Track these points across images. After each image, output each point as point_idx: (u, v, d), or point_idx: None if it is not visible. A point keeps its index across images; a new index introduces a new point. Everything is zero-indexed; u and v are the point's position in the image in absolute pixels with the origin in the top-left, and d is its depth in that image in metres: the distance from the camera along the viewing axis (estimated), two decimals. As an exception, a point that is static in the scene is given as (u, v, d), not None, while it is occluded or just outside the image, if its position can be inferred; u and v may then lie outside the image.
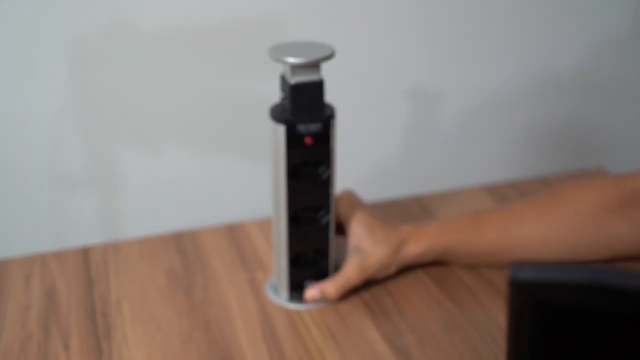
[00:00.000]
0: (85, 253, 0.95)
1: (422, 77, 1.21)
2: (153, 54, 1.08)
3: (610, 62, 1.29)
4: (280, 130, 0.78)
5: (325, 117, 0.78)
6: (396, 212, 1.04)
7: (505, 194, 1.08)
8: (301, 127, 0.77)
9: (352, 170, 1.18)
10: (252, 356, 0.77)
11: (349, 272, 0.84)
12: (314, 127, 0.78)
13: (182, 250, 0.96)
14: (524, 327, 0.37)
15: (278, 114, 0.79)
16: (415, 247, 0.85)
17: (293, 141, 0.78)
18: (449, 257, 0.88)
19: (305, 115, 0.77)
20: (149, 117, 1.13)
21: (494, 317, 0.82)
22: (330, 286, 0.84)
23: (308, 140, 0.78)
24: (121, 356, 0.77)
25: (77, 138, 1.11)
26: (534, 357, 0.37)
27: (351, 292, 0.86)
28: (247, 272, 0.91)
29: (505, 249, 0.85)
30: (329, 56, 0.77)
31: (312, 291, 0.84)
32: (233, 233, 1.00)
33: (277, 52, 0.77)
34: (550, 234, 0.84)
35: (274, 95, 1.07)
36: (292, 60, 0.76)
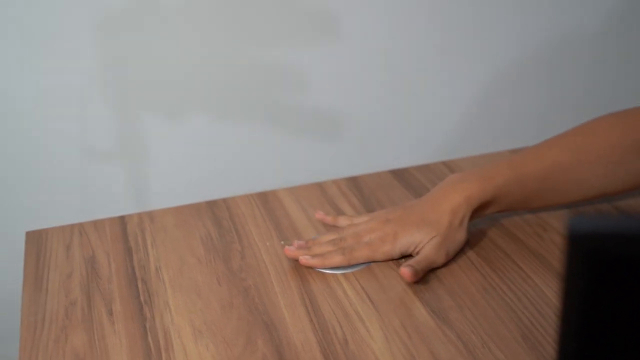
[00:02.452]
0: (122, 222, 0.97)
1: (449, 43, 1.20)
2: (178, 23, 1.08)
3: (630, 29, 1.28)
4: None
5: None
6: (426, 177, 1.04)
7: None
8: None
9: (387, 139, 1.18)
10: (292, 320, 0.78)
11: (430, 255, 0.84)
12: None
13: (216, 218, 0.97)
14: (581, 280, 0.37)
15: None
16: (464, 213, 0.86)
17: None
18: (484, 210, 0.88)
19: None
20: (175, 87, 1.13)
21: (530, 279, 0.83)
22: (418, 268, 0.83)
23: None
24: (164, 322, 0.79)
25: (105, 110, 1.12)
26: (590, 311, 0.38)
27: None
28: (282, 240, 0.92)
29: (541, 196, 0.89)
30: None
31: (407, 271, 0.82)
32: (266, 200, 1.01)
33: None
34: (585, 181, 0.87)
35: (299, 62, 1.07)
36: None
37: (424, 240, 0.84)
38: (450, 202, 0.85)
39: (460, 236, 0.86)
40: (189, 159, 1.18)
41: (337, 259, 0.85)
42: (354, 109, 1.18)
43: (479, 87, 1.23)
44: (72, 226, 0.96)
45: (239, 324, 0.78)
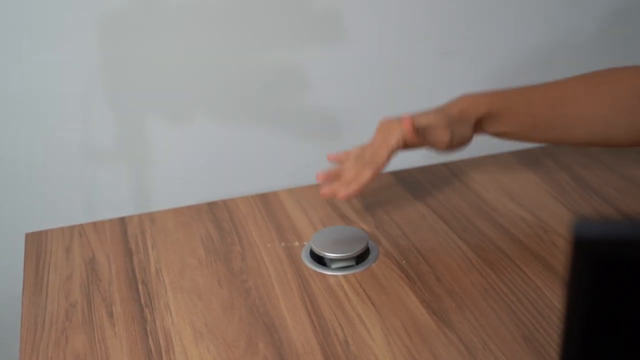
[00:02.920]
0: (122, 223, 0.97)
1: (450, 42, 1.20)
2: (181, 24, 1.08)
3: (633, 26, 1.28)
4: None
5: None
6: (426, 178, 1.04)
7: (537, 159, 1.08)
8: None
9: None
10: (293, 322, 0.78)
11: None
12: None
13: (217, 220, 0.97)
14: (585, 284, 0.37)
15: None
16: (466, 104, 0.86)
17: None
18: (492, 122, 0.87)
19: None
20: (177, 88, 1.13)
21: (531, 281, 0.82)
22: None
23: None
24: (164, 324, 0.78)
25: (107, 111, 1.12)
26: (594, 316, 0.38)
27: (388, 260, 0.87)
28: (283, 241, 0.92)
29: (548, 124, 0.86)
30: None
31: (407, 118, 0.82)
32: (266, 202, 1.01)
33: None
34: (594, 116, 0.85)
35: (301, 64, 1.07)
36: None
37: (430, 120, 0.84)
38: (458, 105, 0.86)
39: (467, 131, 0.86)
40: (189, 160, 1.18)
41: (367, 174, 0.84)
42: (355, 110, 1.18)
43: (480, 88, 1.23)
44: (72, 227, 0.95)
45: (240, 325, 0.78)
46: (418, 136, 0.83)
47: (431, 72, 1.19)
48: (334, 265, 0.86)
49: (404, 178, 1.05)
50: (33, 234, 0.95)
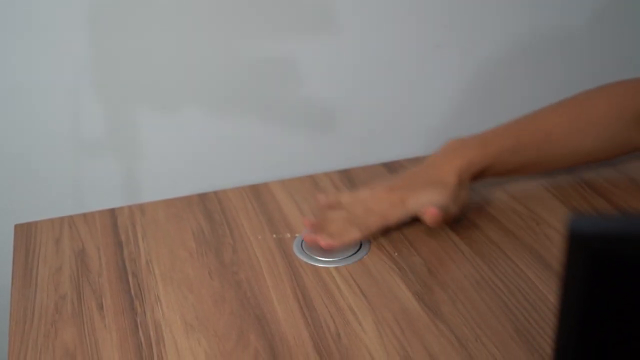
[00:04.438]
0: (112, 215, 0.96)
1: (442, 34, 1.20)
2: (171, 17, 1.07)
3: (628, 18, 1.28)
4: None
5: None
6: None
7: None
8: None
9: (375, 129, 1.17)
10: (284, 314, 0.78)
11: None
12: None
13: (208, 212, 0.96)
14: (580, 280, 0.37)
15: None
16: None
17: None
18: (482, 175, 0.91)
19: None
20: (167, 80, 1.12)
21: (523, 273, 0.82)
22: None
23: None
24: (155, 316, 0.78)
25: (96, 102, 1.11)
26: (589, 311, 0.37)
27: (380, 252, 0.87)
28: (274, 233, 0.91)
29: (535, 164, 0.94)
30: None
31: (434, 210, 0.85)
32: (258, 193, 1.00)
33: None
34: (577, 149, 0.92)
35: (291, 54, 1.06)
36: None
37: (433, 199, 0.86)
38: (453, 166, 0.87)
39: (465, 195, 0.89)
40: (180, 152, 1.17)
41: (354, 234, 0.86)
42: (346, 102, 1.17)
43: (472, 81, 1.23)
44: (61, 219, 0.95)
45: (230, 318, 0.77)
46: (440, 222, 0.87)
47: (423, 64, 1.19)
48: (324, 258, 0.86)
49: (396, 169, 1.05)
50: (22, 225, 0.94)
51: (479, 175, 0.90)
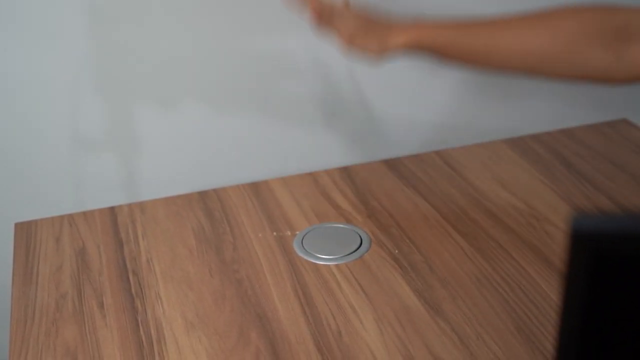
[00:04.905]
0: (112, 213, 0.96)
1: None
2: (171, 13, 1.07)
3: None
4: None
5: None
6: (419, 167, 1.04)
7: (528, 146, 1.08)
8: None
9: (377, 127, 1.17)
10: (285, 312, 0.78)
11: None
12: None
13: (208, 209, 0.96)
14: (583, 278, 0.37)
15: None
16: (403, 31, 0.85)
17: None
18: (430, 49, 0.85)
19: None
20: (167, 77, 1.12)
21: (524, 270, 0.82)
22: None
23: None
24: (156, 314, 0.78)
25: (96, 99, 1.10)
26: (591, 309, 0.37)
27: (380, 249, 0.87)
28: (275, 231, 0.91)
29: (485, 53, 0.84)
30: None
31: None
32: (257, 191, 1.00)
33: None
34: (530, 46, 0.82)
35: (290, 51, 1.05)
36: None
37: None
38: (413, 31, 0.84)
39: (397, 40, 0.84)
40: (180, 149, 1.17)
41: (374, 46, 0.84)
42: (346, 99, 1.17)
43: (472, 77, 1.23)
44: (61, 217, 0.95)
45: (231, 316, 0.77)
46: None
47: (422, 61, 1.19)
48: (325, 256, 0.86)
49: (396, 167, 1.05)
50: (22, 223, 0.94)
51: (418, 43, 0.85)
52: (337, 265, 0.85)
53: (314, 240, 0.89)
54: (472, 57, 0.86)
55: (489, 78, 1.25)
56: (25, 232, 0.92)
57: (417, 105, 1.24)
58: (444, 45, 0.84)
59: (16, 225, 0.94)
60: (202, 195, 0.99)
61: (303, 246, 0.88)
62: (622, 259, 0.35)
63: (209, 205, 0.97)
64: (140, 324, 0.77)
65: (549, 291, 0.79)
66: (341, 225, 0.92)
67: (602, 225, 0.35)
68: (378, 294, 0.80)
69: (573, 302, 0.37)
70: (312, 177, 1.04)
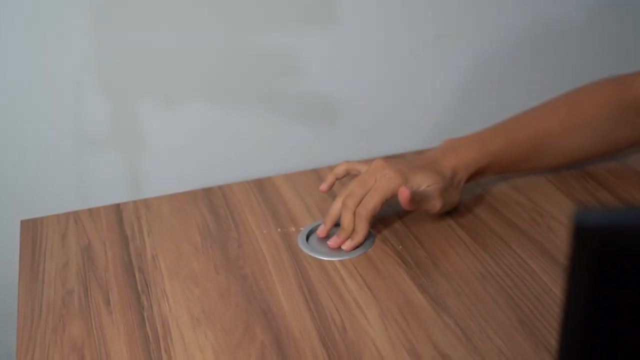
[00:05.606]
0: (117, 210, 0.96)
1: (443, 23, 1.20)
2: (174, 9, 1.08)
3: (622, 13, 1.27)
4: None
5: None
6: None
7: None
8: None
9: (382, 123, 1.17)
10: (290, 308, 0.78)
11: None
12: None
13: (212, 206, 0.97)
14: (585, 273, 0.37)
15: None
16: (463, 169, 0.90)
17: None
18: (478, 176, 0.92)
19: None
20: (170, 73, 1.12)
21: (527, 265, 0.83)
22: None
23: None
24: (161, 310, 0.78)
25: (100, 96, 1.11)
26: (594, 304, 0.38)
27: (384, 245, 0.87)
28: (279, 227, 0.92)
29: (528, 163, 0.96)
30: None
31: (405, 190, 0.83)
32: (262, 187, 1.00)
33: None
34: (571, 148, 0.95)
35: (295, 49, 1.06)
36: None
37: (429, 182, 0.86)
38: (450, 163, 0.88)
39: (457, 196, 0.89)
40: (184, 146, 1.17)
41: (363, 227, 0.85)
42: (349, 95, 1.17)
43: (473, 73, 1.23)
44: (67, 215, 0.95)
45: (236, 311, 0.78)
46: (412, 207, 0.85)
47: (424, 55, 1.19)
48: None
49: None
50: (28, 221, 0.95)
51: (475, 175, 0.91)
52: (341, 261, 0.85)
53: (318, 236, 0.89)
54: (511, 169, 0.96)
55: (490, 74, 1.25)
56: (31, 230, 0.93)
57: (420, 103, 1.24)
58: (484, 169, 0.91)
59: (22, 222, 0.95)
60: (207, 192, 0.99)
61: (307, 242, 0.88)
62: (625, 253, 0.35)
63: (213, 202, 0.97)
64: (146, 320, 0.77)
65: (552, 286, 0.79)
66: (345, 221, 0.92)
67: (605, 220, 0.35)
68: (382, 289, 0.80)
69: (576, 297, 0.37)
70: (316, 174, 1.04)
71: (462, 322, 0.75)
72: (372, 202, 0.84)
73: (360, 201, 0.85)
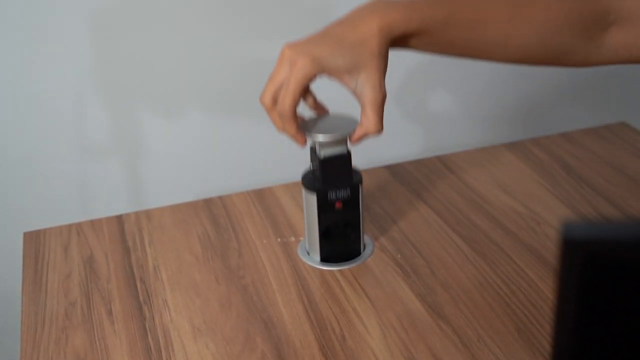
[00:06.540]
0: (119, 221, 0.97)
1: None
2: (173, 20, 1.09)
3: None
4: (313, 198, 0.83)
5: (353, 184, 0.84)
6: (420, 172, 1.05)
7: (529, 151, 1.09)
8: (331, 195, 0.83)
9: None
10: (290, 317, 0.79)
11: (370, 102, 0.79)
12: (343, 193, 0.84)
13: (213, 217, 0.98)
14: (575, 285, 0.38)
15: (310, 182, 0.84)
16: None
17: (325, 207, 0.84)
18: (403, 42, 0.79)
19: (334, 184, 0.83)
20: (171, 84, 1.13)
21: (524, 274, 0.84)
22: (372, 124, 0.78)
23: (338, 205, 0.84)
24: (163, 321, 0.79)
25: (101, 107, 1.12)
26: (584, 315, 0.39)
27: (383, 254, 0.88)
28: (279, 237, 0.93)
29: (465, 45, 0.81)
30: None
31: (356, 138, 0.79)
32: (262, 197, 1.01)
33: (307, 128, 0.82)
34: (512, 39, 0.80)
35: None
36: (321, 137, 0.81)
37: (346, 61, 0.75)
38: (372, 24, 0.75)
39: (385, 65, 0.78)
40: (185, 157, 1.18)
41: (289, 126, 0.80)
42: (348, 105, 1.19)
43: (475, 77, 1.24)
44: (69, 226, 0.96)
45: (237, 321, 0.79)
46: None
47: (424, 67, 1.20)
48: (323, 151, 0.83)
49: (398, 172, 1.06)
50: (31, 233, 0.96)
51: (400, 41, 0.77)
52: (340, 271, 0.86)
53: (317, 245, 0.90)
54: (444, 48, 0.81)
55: (489, 85, 1.26)
56: (34, 241, 0.94)
57: (418, 111, 1.25)
58: (411, 36, 0.77)
59: (25, 234, 0.96)
60: (208, 203, 1.01)
61: (307, 252, 0.89)
62: (611, 265, 0.36)
63: (214, 212, 0.99)
64: (148, 331, 0.78)
65: (549, 294, 0.80)
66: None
67: (592, 233, 0.36)
68: (381, 298, 0.81)
69: (565, 306, 0.38)
70: (315, 184, 1.05)
71: (460, 330, 0.76)
72: (287, 100, 0.78)
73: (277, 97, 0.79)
